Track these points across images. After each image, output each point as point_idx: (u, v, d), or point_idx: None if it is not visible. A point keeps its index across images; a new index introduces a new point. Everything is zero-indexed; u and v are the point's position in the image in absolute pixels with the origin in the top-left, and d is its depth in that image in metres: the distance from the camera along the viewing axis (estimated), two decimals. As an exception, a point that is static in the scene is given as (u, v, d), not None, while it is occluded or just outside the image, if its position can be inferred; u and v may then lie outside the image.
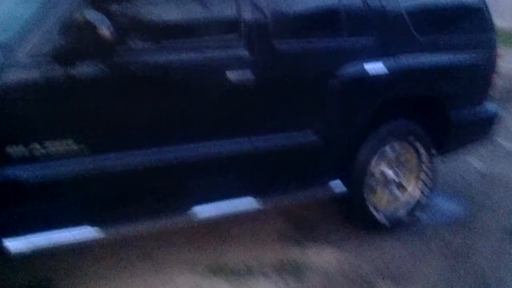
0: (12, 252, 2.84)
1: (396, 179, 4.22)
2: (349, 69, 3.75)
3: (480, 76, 4.48)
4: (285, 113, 3.61)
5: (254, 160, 3.53)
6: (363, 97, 3.87)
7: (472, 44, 4.37)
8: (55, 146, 2.87)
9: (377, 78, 3.85)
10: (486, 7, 4.47)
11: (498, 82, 8.82)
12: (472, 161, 5.75)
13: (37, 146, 2.82)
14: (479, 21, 4.44)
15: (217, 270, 3.50)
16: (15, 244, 2.85)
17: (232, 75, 3.30)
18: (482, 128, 4.68)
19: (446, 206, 4.77)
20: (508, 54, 11.21)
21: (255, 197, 3.59)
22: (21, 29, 2.76)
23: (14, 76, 2.72)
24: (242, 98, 3.39)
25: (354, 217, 4.19)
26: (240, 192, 3.55)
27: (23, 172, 2.80)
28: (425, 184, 4.33)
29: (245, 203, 3.54)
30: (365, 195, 4.05)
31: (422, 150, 4.27)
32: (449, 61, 4.21)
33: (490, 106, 4.68)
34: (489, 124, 4.70)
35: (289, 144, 3.64)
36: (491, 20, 4.50)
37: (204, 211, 3.37)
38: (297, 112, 3.66)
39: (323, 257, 3.79)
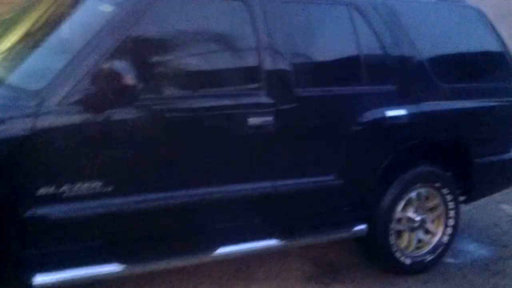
0: (38, 286, 3.01)
1: (422, 224, 4.26)
2: (371, 116, 3.87)
3: (506, 123, 4.53)
4: (308, 158, 3.74)
5: (278, 204, 3.66)
6: (385, 143, 3.98)
7: (497, 92, 4.47)
8: (84, 188, 3.06)
9: (399, 124, 3.96)
10: (510, 56, 4.55)
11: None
12: (506, 208, 5.72)
13: (67, 187, 3.01)
14: (503, 69, 4.53)
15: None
16: (41, 278, 3.01)
17: (255, 121, 3.46)
18: (510, 175, 4.70)
19: (475, 251, 4.77)
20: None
21: (279, 239, 3.70)
22: (53, 79, 2.99)
23: (46, 123, 2.93)
24: (264, 144, 3.54)
25: (378, 260, 4.24)
26: (265, 234, 3.67)
27: (54, 212, 3.00)
28: (453, 229, 4.36)
29: (269, 242, 3.66)
30: (390, 239, 4.11)
31: (449, 196, 4.31)
32: (473, 108, 4.31)
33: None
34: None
35: (312, 188, 3.76)
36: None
37: (227, 248, 3.51)
38: (320, 157, 3.79)
39: (347, 299, 3.85)
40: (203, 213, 3.44)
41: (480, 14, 4.53)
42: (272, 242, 3.69)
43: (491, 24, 4.54)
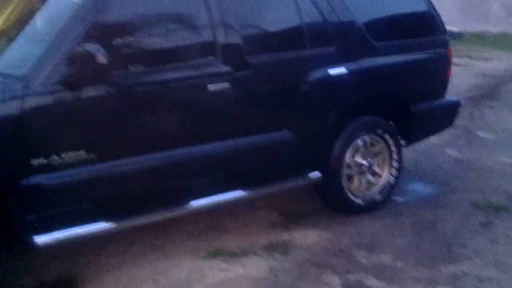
0: (40, 245, 3.49)
1: (370, 167, 4.83)
2: (316, 75, 4.39)
3: (436, 73, 5.11)
4: (263, 116, 4.25)
5: (240, 158, 4.17)
6: (329, 98, 4.51)
7: (425, 45, 5.02)
8: (70, 157, 3.52)
9: (340, 80, 4.49)
10: (436, 12, 5.11)
11: (484, 80, 9.52)
12: (449, 151, 6.33)
13: (56, 157, 3.47)
14: (429, 25, 5.09)
15: (216, 254, 4.13)
16: (42, 238, 3.49)
17: (213, 87, 3.95)
18: (444, 118, 5.31)
19: (421, 189, 5.37)
20: (496, 56, 11.90)
21: (243, 189, 4.22)
22: (34, 63, 3.44)
23: (32, 102, 3.37)
24: (224, 107, 4.04)
25: (334, 203, 4.79)
26: (230, 187, 4.19)
27: (45, 180, 3.46)
28: (397, 170, 4.94)
29: (235, 194, 4.18)
30: (343, 183, 4.66)
31: (390, 141, 4.87)
32: (404, 62, 4.86)
33: (451, 98, 5.31)
34: (451, 114, 5.33)
35: (268, 142, 4.28)
36: (442, 23, 5.14)
37: (199, 202, 4.03)
38: (273, 115, 4.30)
39: (308, 237, 4.40)
40: (175, 172, 3.95)
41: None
42: (237, 194, 4.20)
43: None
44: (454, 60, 5.53)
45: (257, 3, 4.30)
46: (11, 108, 3.32)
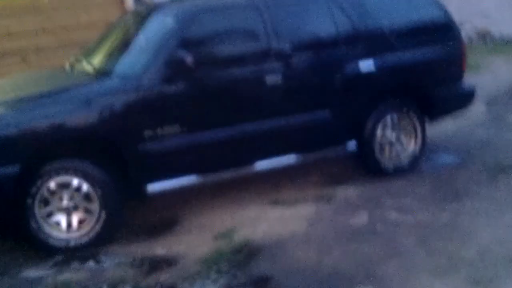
0: (150, 192, 5.05)
1: (398, 139, 6.15)
2: (349, 66, 5.79)
3: (449, 63, 6.38)
4: (308, 99, 5.68)
5: (292, 130, 5.60)
6: (360, 84, 5.87)
7: (441, 44, 6.31)
8: (169, 129, 5.04)
9: (369, 70, 5.86)
10: (448, 13, 6.41)
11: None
12: (479, 131, 7.51)
13: (159, 129, 5.01)
14: (443, 24, 6.38)
15: (276, 202, 5.58)
16: (151, 187, 5.06)
17: (270, 78, 5.42)
18: (460, 101, 6.57)
19: (446, 158, 6.61)
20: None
21: (296, 154, 5.66)
22: (143, 66, 5.02)
23: (143, 93, 4.94)
24: (277, 92, 5.49)
25: (368, 167, 6.14)
26: (285, 151, 5.63)
27: (154, 145, 5.00)
28: (422, 141, 6.23)
29: (289, 158, 5.64)
30: (376, 151, 6.01)
31: (415, 118, 6.18)
32: (419, 54, 6.16)
33: (467, 85, 6.55)
34: (467, 98, 6.57)
35: (314, 119, 5.69)
36: (454, 23, 6.42)
37: (262, 163, 5.51)
38: (317, 98, 5.71)
39: (347, 191, 5.76)
40: (243, 140, 5.42)
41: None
42: (291, 157, 5.65)
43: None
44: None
45: (299, 15, 5.75)
46: (130, 96, 4.91)
